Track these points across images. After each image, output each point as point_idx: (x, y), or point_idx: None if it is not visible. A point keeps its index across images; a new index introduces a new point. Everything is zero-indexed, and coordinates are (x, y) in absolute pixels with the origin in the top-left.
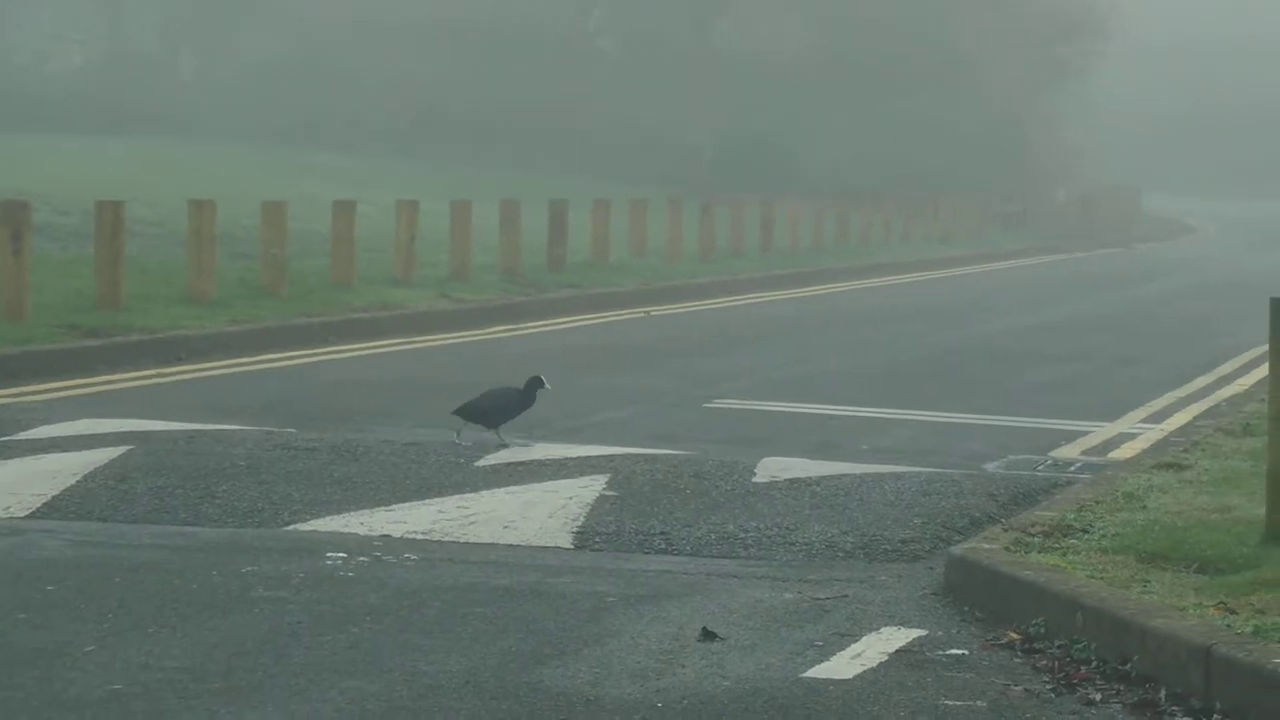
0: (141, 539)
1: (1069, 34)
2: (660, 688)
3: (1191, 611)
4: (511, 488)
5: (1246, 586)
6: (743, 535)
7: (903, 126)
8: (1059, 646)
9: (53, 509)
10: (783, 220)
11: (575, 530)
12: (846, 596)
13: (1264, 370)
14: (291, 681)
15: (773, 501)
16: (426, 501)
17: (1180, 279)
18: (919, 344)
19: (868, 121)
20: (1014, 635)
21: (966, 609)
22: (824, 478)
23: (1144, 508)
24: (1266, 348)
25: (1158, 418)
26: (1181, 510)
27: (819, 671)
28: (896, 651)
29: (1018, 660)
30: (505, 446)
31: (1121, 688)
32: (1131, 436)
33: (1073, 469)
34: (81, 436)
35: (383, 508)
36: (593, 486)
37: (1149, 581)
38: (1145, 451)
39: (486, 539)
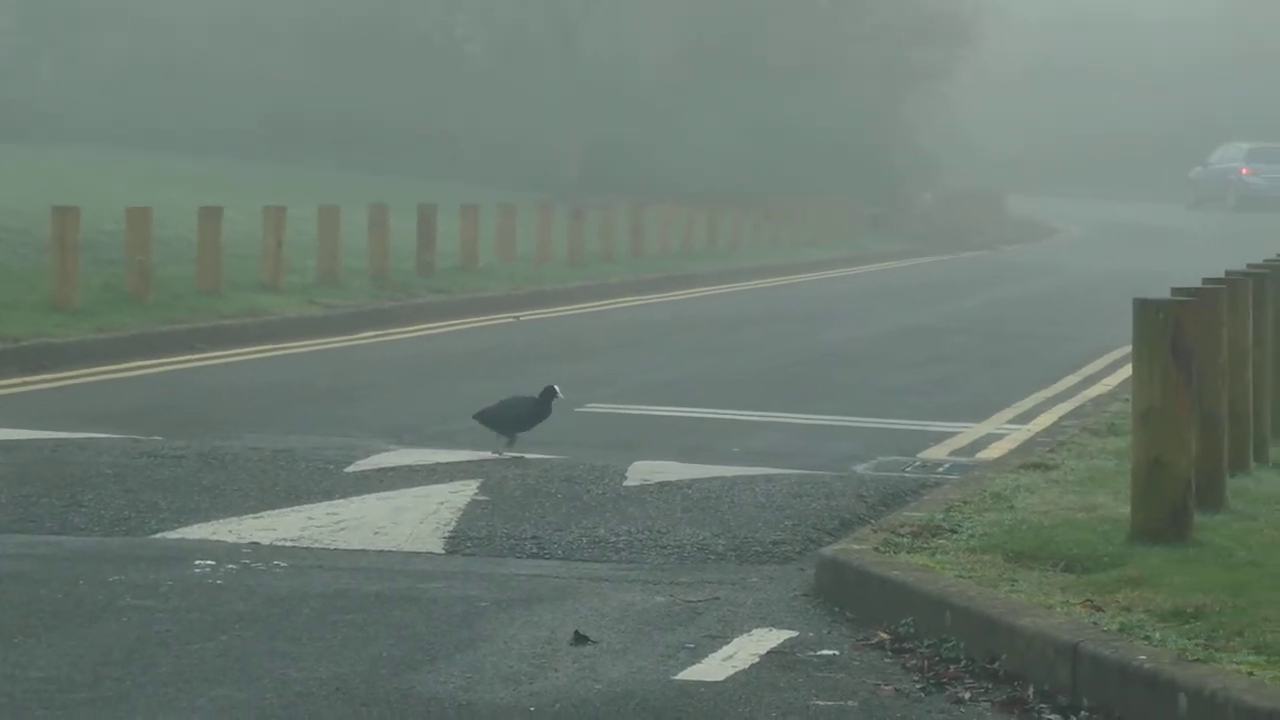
0: (6, 548)
1: (933, 38)
2: (532, 692)
3: (1059, 609)
4: (382, 493)
5: (1112, 584)
6: (614, 539)
7: (771, 130)
8: (928, 646)
9: None
10: (652, 225)
11: (447, 535)
12: (718, 599)
13: (1128, 370)
14: (160, 691)
15: (644, 505)
16: (296, 508)
17: (1045, 280)
18: (789, 347)
19: (736, 125)
20: (884, 635)
21: (837, 610)
22: (695, 480)
23: (1011, 507)
24: (1130, 348)
25: (1024, 418)
26: (1048, 509)
27: (691, 674)
28: (768, 653)
29: (888, 660)
30: (508, 453)
31: (990, 686)
32: (999, 437)
33: (941, 470)
34: None
35: (251, 515)
36: (464, 491)
37: (1017, 580)
38: (1012, 452)
39: (357, 545)
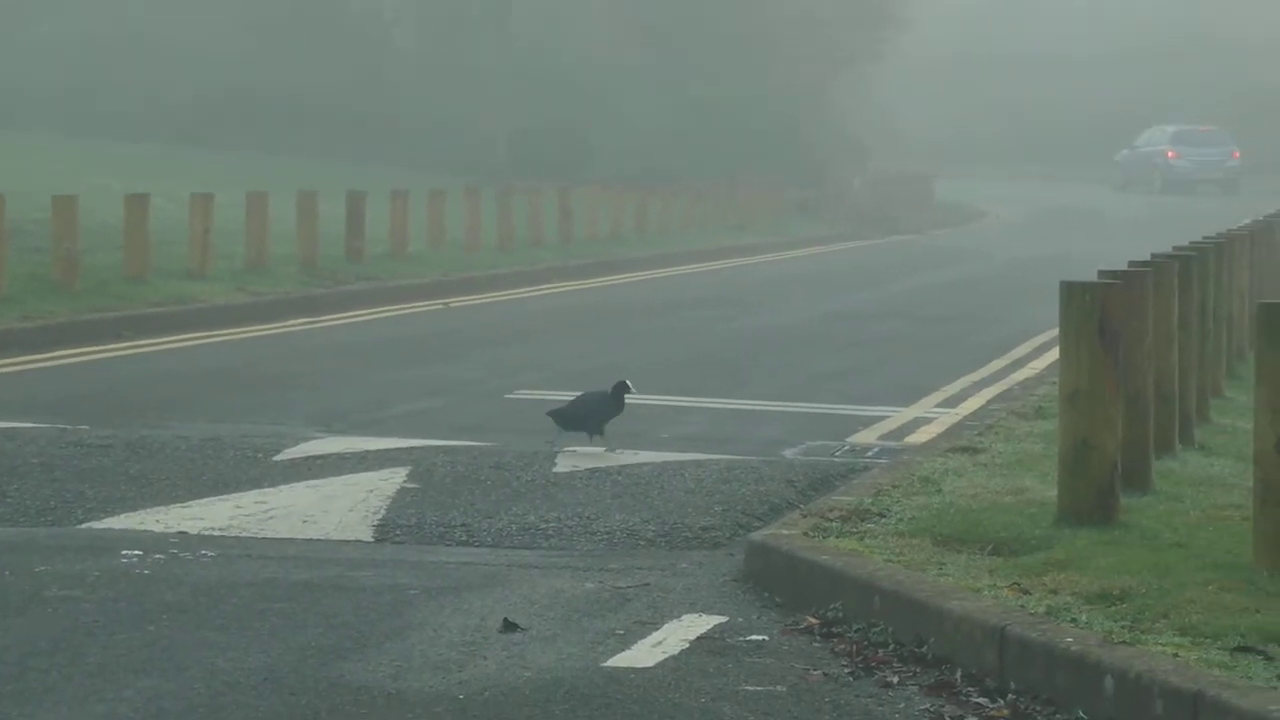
0: None
1: (862, 21)
2: (462, 679)
3: (986, 593)
4: (311, 481)
5: (1039, 567)
6: (544, 525)
7: (700, 114)
8: (857, 630)
9: None
10: (581, 208)
11: (376, 523)
12: (648, 585)
13: (1056, 353)
14: (87, 681)
15: (574, 491)
16: (224, 497)
17: (973, 264)
18: (718, 331)
19: (666, 108)
20: (813, 620)
21: (766, 595)
22: (625, 466)
23: (939, 491)
24: (1057, 331)
25: (952, 402)
26: (976, 493)
27: (620, 660)
28: (697, 638)
29: (817, 644)
30: (607, 449)
31: (918, 669)
32: (927, 421)
33: (870, 454)
34: None
35: (179, 504)
36: (393, 479)
37: (945, 564)
38: (940, 436)
39: (285, 534)
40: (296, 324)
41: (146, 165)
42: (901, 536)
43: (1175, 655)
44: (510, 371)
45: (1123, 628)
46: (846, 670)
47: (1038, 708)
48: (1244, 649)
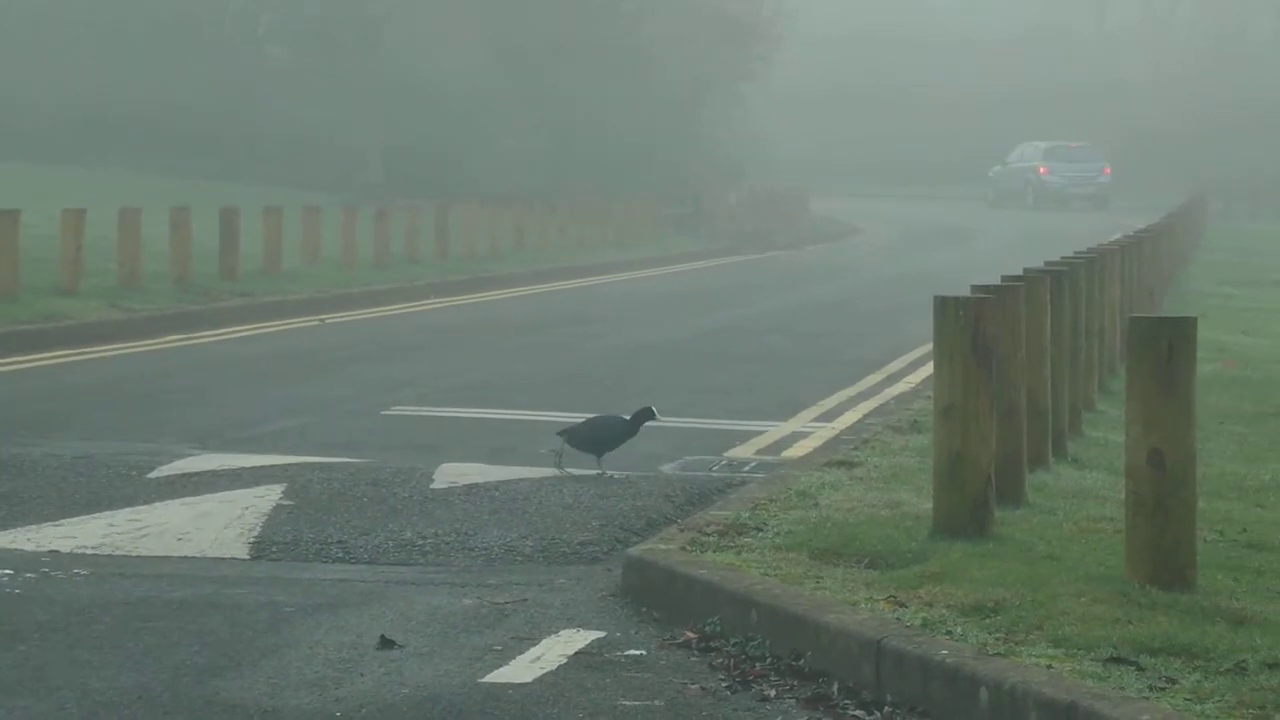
0: None
1: (736, 35)
2: (339, 697)
3: (863, 606)
4: (186, 499)
5: (915, 580)
6: (421, 542)
7: (576, 131)
8: (735, 644)
9: None
10: (458, 226)
11: (251, 540)
12: (525, 600)
13: (930, 368)
14: None
15: (451, 507)
16: (97, 515)
17: (849, 279)
18: (595, 347)
19: (541, 126)
20: (691, 634)
21: (644, 609)
22: (502, 482)
23: (816, 505)
24: (931, 345)
25: (829, 416)
26: (852, 507)
27: (498, 676)
28: (575, 654)
29: (694, 659)
30: (604, 475)
31: (796, 683)
32: (804, 435)
33: (747, 469)
34: None
35: (51, 523)
36: (269, 496)
37: (821, 578)
38: (817, 450)
39: (160, 552)
40: (171, 341)
41: (18, 184)
42: (779, 550)
43: (1049, 667)
44: (387, 388)
45: (997, 640)
46: (724, 684)
47: None
48: (1116, 660)
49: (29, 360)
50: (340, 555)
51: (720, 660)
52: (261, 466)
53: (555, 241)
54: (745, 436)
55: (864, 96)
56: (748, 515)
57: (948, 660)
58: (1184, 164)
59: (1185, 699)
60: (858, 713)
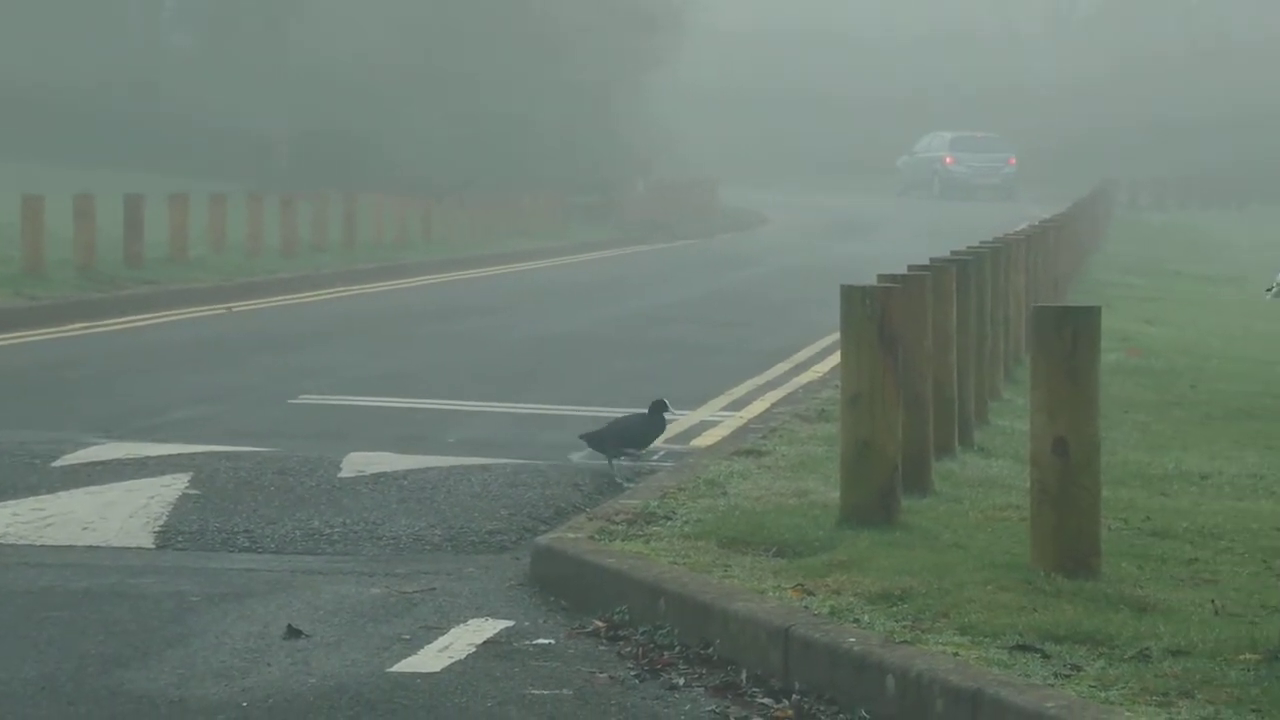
0: None
1: (645, 27)
2: (245, 687)
3: (771, 594)
4: (90, 488)
5: (823, 568)
6: (328, 531)
7: (485, 121)
8: (643, 633)
9: None
10: (366, 215)
11: (157, 530)
12: (434, 589)
13: (838, 357)
14: None
15: (359, 496)
16: (0, 504)
17: (757, 269)
18: (504, 336)
19: (449, 115)
20: (599, 623)
21: (553, 598)
22: (410, 471)
23: (725, 494)
24: (839, 334)
25: (737, 405)
26: (760, 495)
27: (406, 665)
28: (484, 643)
29: (603, 648)
30: (619, 483)
31: (704, 671)
32: (712, 424)
33: (656, 457)
34: None
35: None
36: (175, 485)
37: (730, 566)
38: (725, 439)
39: (64, 541)
40: (74, 329)
41: None
42: (687, 539)
43: (955, 654)
44: (294, 376)
45: (904, 627)
46: (633, 673)
47: (821, 708)
48: (1022, 647)
49: None
50: (247, 545)
51: (629, 649)
52: (167, 455)
53: (464, 230)
54: None
55: (777, 95)
56: (656, 504)
57: (855, 648)
58: (1090, 162)
59: (1090, 686)
60: (766, 700)
